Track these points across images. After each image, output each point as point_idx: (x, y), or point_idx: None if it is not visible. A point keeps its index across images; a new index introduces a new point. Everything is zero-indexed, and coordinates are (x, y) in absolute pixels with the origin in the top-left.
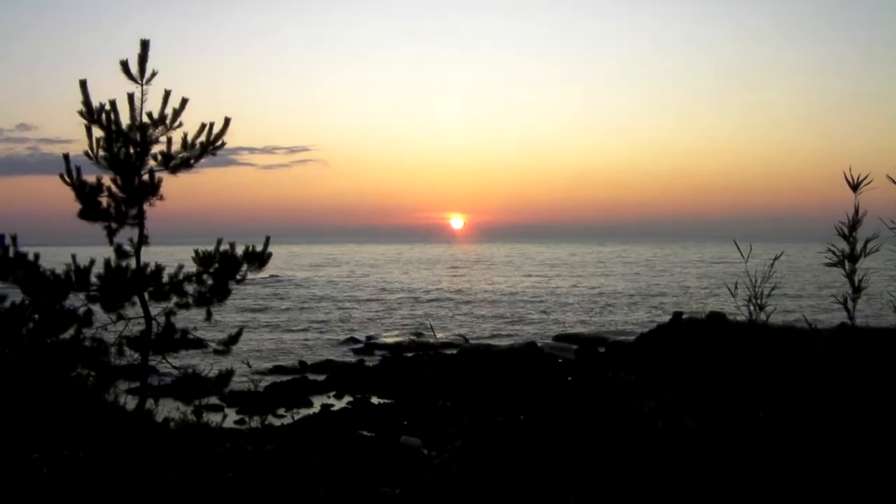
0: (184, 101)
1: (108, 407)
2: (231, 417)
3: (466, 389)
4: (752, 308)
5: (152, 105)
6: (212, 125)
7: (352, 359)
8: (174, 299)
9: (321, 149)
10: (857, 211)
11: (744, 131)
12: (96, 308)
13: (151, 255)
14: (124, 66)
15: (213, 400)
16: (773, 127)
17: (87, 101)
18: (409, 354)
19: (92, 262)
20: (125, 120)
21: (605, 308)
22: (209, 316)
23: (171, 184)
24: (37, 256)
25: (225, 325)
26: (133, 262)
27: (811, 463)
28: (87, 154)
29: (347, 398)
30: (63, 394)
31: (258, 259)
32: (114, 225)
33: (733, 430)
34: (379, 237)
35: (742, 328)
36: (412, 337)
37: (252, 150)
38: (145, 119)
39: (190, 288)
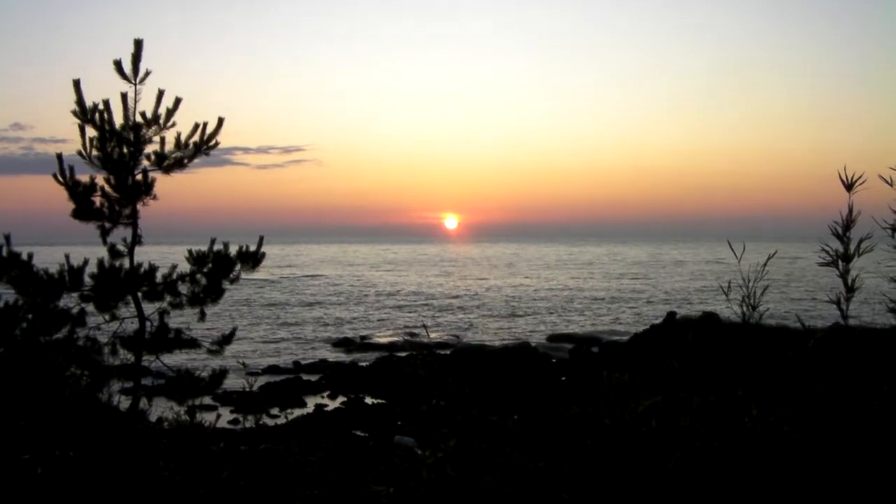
0: (177, 101)
1: (102, 407)
2: (225, 417)
3: (460, 389)
4: (745, 308)
5: (146, 105)
6: (205, 125)
7: (346, 359)
8: (168, 299)
9: (316, 149)
10: (850, 211)
11: (738, 131)
12: (90, 308)
13: (145, 255)
14: (118, 65)
15: (207, 400)
16: (768, 127)
17: (80, 101)
18: (403, 354)
19: (85, 261)
20: (119, 119)
21: (598, 308)
22: (203, 316)
23: (164, 183)
24: (30, 256)
25: (219, 325)
26: (127, 262)
27: (804, 460)
28: (80, 154)
29: (341, 398)
30: (56, 394)
31: (252, 259)
32: (107, 225)
33: (727, 428)
34: (373, 237)
35: (735, 328)
36: (406, 337)
37: (247, 149)
38: (139, 119)
39: (184, 288)
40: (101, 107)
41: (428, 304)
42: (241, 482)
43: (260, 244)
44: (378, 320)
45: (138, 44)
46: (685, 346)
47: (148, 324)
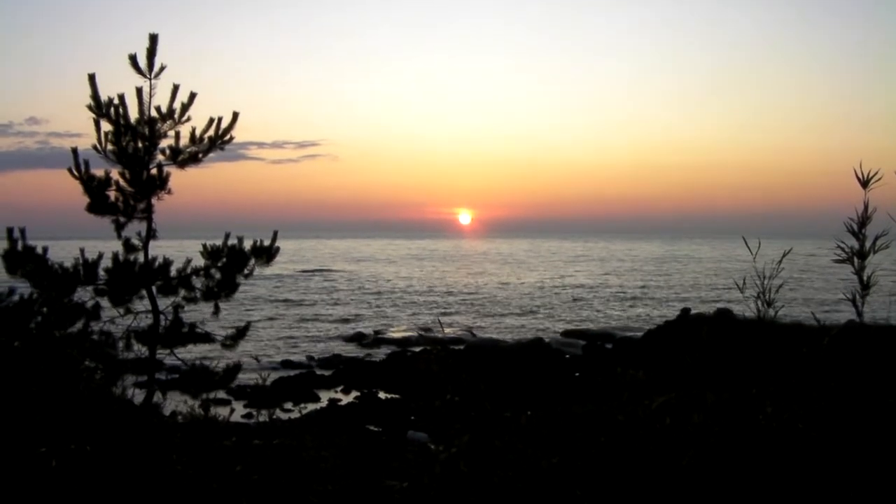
0: (192, 96)
1: (116, 400)
2: (239, 411)
3: (474, 385)
4: (760, 305)
5: (161, 99)
6: (220, 119)
7: (359, 354)
8: (182, 293)
9: (331, 143)
10: (866, 207)
11: (753, 128)
12: (104, 302)
13: (159, 250)
14: (133, 60)
15: (221, 394)
16: (783, 123)
17: (95, 96)
18: (417, 349)
19: (100, 255)
20: (133, 114)
21: (612, 304)
22: (217, 310)
23: (179, 178)
24: (45, 250)
25: (232, 320)
26: (141, 256)
27: (819, 459)
28: (95, 148)
29: (355, 393)
30: (71, 387)
31: (266, 253)
32: (122, 219)
33: (741, 425)
34: (387, 232)
35: (750, 325)
36: (419, 332)
37: (261, 144)
38: (154, 113)
39: (198, 282)
40: (116, 101)
41: (442, 299)
42: (254, 476)
43: (274, 239)
44: (391, 316)
45: (153, 38)
46: (699, 343)
47: (162, 318)
